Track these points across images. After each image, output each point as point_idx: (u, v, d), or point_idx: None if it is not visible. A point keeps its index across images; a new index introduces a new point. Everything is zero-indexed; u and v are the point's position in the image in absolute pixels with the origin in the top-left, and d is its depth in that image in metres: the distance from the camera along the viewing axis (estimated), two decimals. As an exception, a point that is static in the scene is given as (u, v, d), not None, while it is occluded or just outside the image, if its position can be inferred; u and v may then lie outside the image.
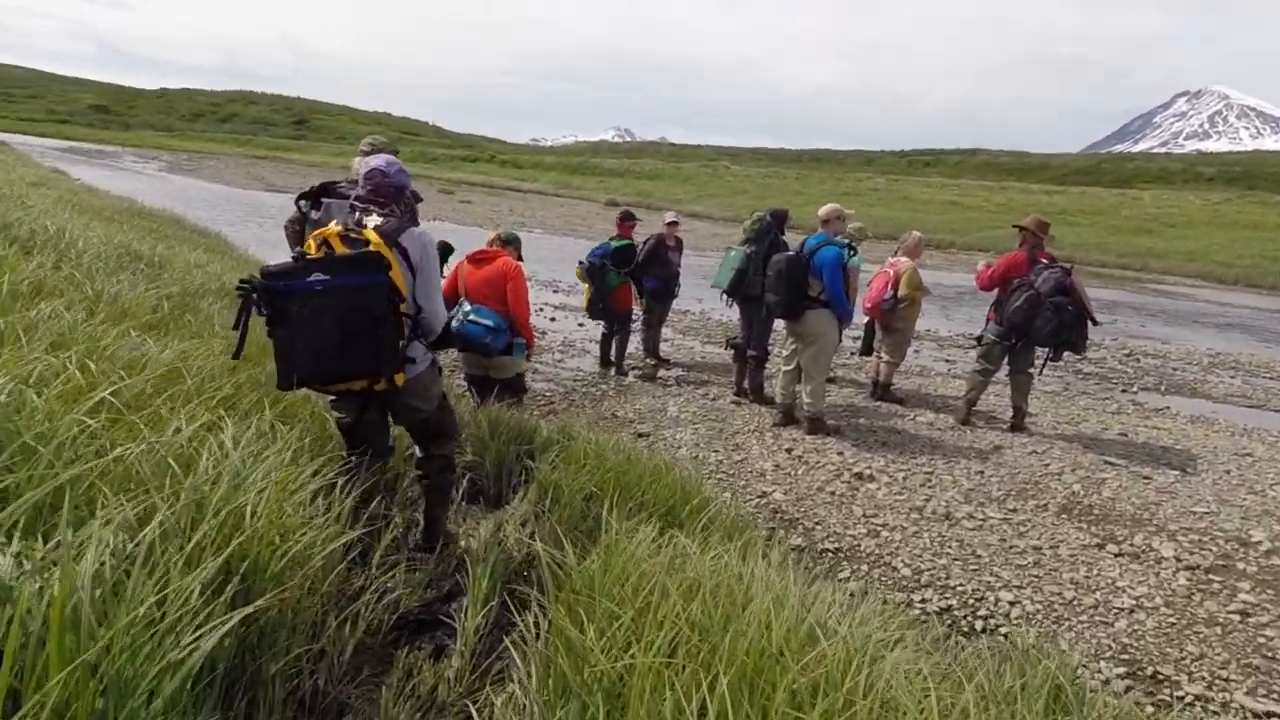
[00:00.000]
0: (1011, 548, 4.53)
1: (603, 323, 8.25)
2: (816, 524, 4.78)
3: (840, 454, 5.91)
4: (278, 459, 2.26)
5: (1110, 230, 37.48)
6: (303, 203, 4.40)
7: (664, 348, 8.93)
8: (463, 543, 3.31)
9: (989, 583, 4.12)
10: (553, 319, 10.92)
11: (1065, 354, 6.45)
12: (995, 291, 6.58)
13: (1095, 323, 6.12)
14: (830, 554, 4.41)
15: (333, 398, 2.94)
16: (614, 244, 7.79)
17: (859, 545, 4.50)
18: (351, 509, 2.56)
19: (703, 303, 12.92)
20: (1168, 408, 8.38)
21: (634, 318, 8.29)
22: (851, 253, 6.03)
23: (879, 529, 4.71)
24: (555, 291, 13.42)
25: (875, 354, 7.55)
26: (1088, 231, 36.33)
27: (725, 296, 7.08)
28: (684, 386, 7.77)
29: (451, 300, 4.92)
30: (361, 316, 2.58)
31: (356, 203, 2.88)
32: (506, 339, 4.84)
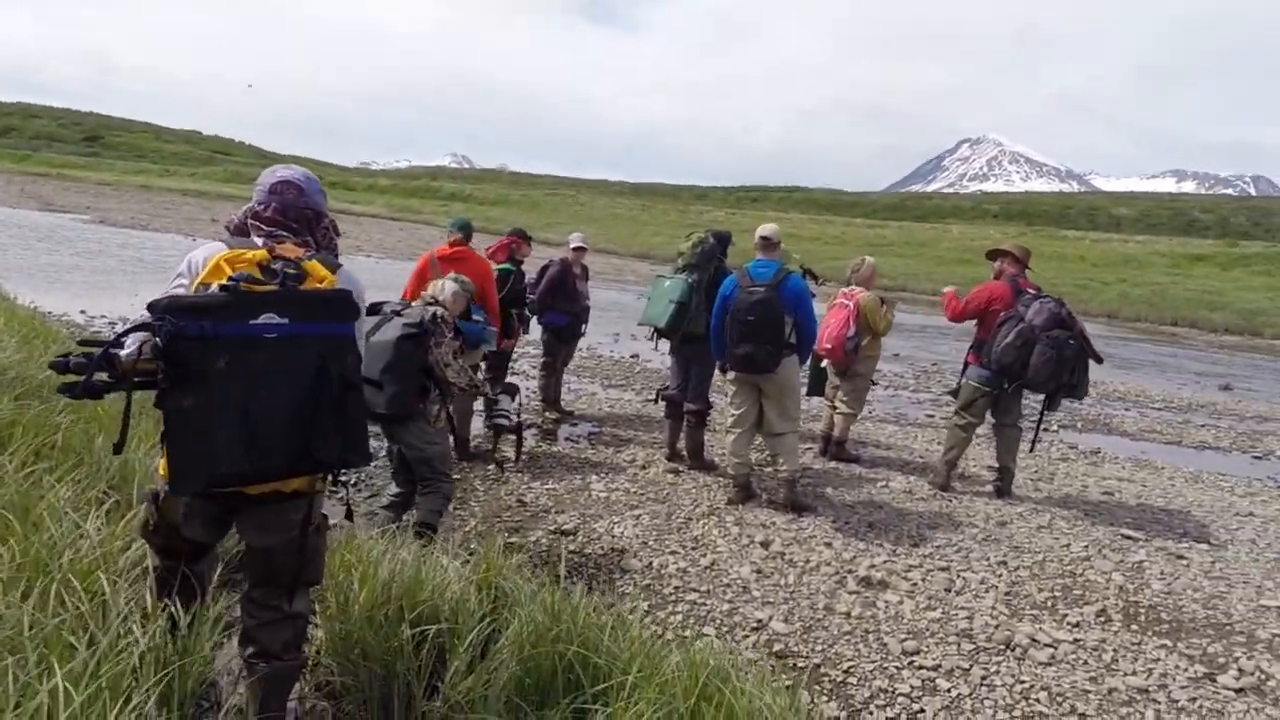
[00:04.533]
0: (1114, 694, 3.29)
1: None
2: (847, 673, 3.33)
3: (829, 545, 4.53)
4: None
5: (935, 261, 39.81)
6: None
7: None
8: None
9: (1123, 763, 2.85)
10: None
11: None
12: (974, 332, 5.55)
13: (1099, 360, 5.20)
14: (888, 728, 2.98)
15: (184, 514, 1.97)
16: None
17: (921, 711, 3.10)
18: None
19: (587, 337, 11.35)
20: (1100, 450, 7.82)
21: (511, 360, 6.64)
22: (816, 282, 4.76)
23: (933, 676, 3.34)
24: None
25: (827, 403, 6.28)
26: (915, 263, 38.30)
27: (656, 336, 5.58)
28: (599, 448, 6.16)
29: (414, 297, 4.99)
30: (330, 382, 1.78)
31: (257, 223, 2.03)
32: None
